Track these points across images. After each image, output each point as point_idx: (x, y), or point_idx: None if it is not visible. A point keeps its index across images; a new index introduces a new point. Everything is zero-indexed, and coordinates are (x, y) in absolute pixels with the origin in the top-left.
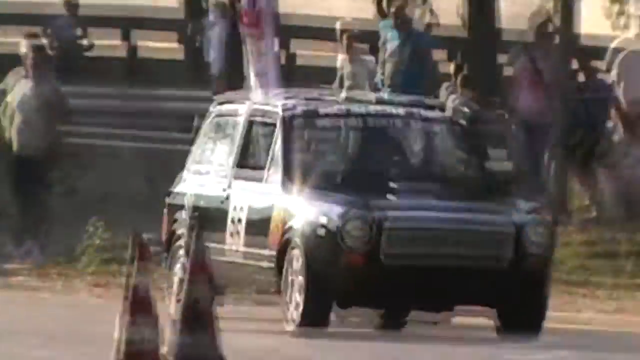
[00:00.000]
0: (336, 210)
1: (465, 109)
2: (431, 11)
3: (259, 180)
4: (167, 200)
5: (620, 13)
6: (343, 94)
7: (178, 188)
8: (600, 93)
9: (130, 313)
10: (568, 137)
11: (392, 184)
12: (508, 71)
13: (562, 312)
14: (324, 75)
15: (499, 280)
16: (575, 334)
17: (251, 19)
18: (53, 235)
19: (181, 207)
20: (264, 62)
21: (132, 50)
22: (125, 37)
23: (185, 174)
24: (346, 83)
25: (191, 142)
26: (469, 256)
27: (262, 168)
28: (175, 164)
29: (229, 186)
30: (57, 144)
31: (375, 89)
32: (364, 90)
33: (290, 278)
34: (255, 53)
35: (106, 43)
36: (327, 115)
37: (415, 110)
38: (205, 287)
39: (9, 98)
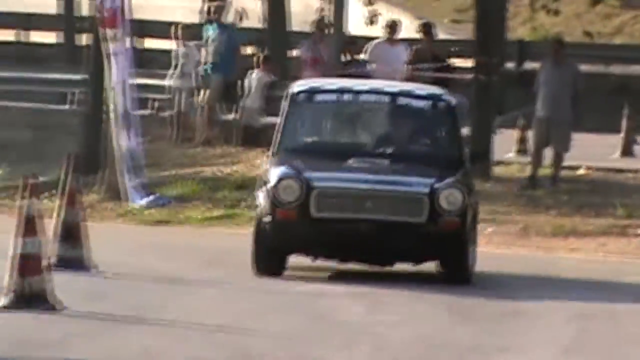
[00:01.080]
0: (275, 174)
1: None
2: (241, 13)
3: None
4: None
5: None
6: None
7: None
8: (359, 70)
9: (22, 233)
10: None
11: (349, 157)
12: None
13: None
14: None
15: (414, 238)
16: None
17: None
18: None
19: None
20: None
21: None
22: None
23: None
24: (181, 61)
25: None
26: (384, 216)
27: None
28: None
29: None
30: None
31: (200, 70)
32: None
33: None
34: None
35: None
36: (325, 95)
37: (400, 98)
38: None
39: None
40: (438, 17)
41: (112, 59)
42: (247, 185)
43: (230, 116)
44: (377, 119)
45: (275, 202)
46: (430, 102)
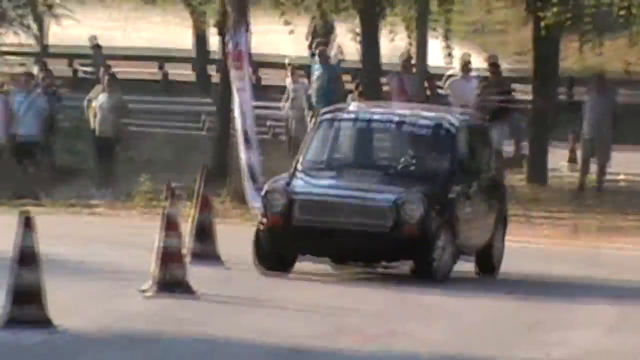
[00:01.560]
0: (271, 184)
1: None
2: (340, 51)
3: None
4: None
5: (448, 54)
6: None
7: None
8: (440, 102)
9: (165, 229)
10: None
11: (341, 171)
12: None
13: None
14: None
15: (380, 242)
16: None
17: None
18: (118, 185)
19: None
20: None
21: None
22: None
23: None
24: (291, 95)
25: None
26: (354, 223)
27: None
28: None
29: None
30: (122, 130)
31: (309, 101)
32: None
33: None
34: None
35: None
36: (344, 121)
37: (405, 125)
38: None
39: (93, 103)
40: (503, 52)
41: (236, 91)
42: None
43: None
44: (382, 140)
45: (266, 210)
46: (431, 127)
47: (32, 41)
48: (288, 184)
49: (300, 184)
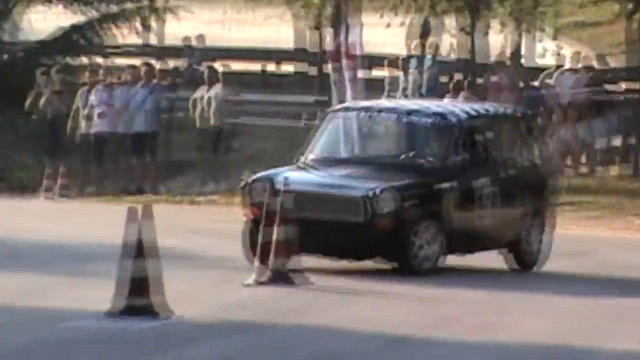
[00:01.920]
0: (254, 176)
1: None
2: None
3: None
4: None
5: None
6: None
7: None
8: (533, 94)
9: (279, 224)
10: None
11: (337, 164)
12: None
13: None
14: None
15: (356, 234)
16: None
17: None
18: (227, 177)
19: None
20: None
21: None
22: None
23: None
24: (387, 88)
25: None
26: (331, 215)
27: None
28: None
29: None
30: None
31: (420, 91)
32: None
33: None
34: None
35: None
36: (349, 112)
37: (409, 116)
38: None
39: (198, 99)
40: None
41: (341, 85)
42: None
43: None
44: (383, 133)
45: (249, 199)
46: (434, 119)
47: (150, 39)
48: (273, 176)
49: (292, 177)
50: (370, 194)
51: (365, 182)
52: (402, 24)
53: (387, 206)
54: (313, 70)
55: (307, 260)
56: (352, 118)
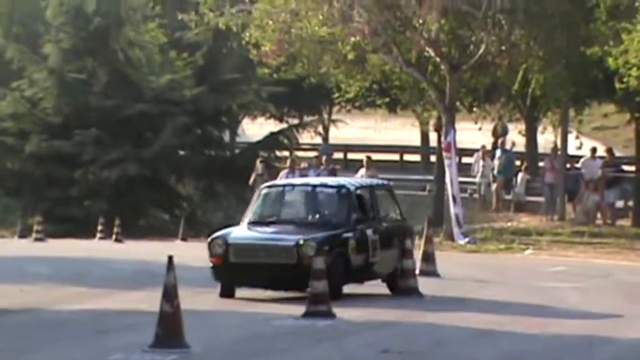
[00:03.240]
0: (215, 235)
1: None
2: (513, 143)
3: None
4: None
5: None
6: None
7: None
8: (574, 172)
9: (405, 256)
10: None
11: (269, 224)
12: None
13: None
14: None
15: (289, 273)
16: None
17: (446, 147)
18: None
19: None
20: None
21: None
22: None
23: None
24: (481, 169)
25: None
26: (270, 259)
27: None
28: None
29: None
30: None
31: (493, 174)
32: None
33: None
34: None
35: None
36: (275, 188)
37: (318, 187)
38: (431, 245)
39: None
40: (615, 143)
41: (447, 168)
42: (517, 232)
43: (508, 196)
44: (300, 200)
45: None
46: (335, 190)
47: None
48: (226, 235)
49: (236, 234)
50: (300, 243)
51: (294, 235)
52: (480, 129)
53: (310, 251)
54: (433, 158)
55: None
56: (278, 190)
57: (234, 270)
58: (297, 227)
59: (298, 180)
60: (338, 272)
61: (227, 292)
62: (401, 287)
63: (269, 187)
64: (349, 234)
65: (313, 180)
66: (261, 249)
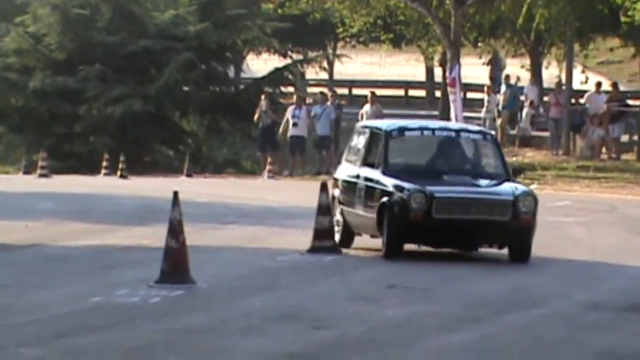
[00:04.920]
0: (399, 188)
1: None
2: (517, 78)
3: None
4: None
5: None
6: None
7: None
8: (579, 108)
9: None
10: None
11: (437, 176)
12: None
13: None
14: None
15: (503, 230)
16: None
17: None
18: None
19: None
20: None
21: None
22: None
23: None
24: (486, 104)
25: None
26: (484, 215)
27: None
28: None
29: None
30: None
31: (498, 108)
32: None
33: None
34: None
35: None
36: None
37: (462, 133)
38: None
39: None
40: (620, 77)
41: (452, 103)
42: (523, 165)
43: (514, 131)
44: (447, 148)
45: (407, 207)
46: (481, 136)
47: (325, 74)
48: (422, 186)
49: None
50: (518, 197)
51: (500, 188)
52: (484, 63)
53: (528, 207)
54: (438, 94)
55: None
56: (414, 136)
57: (437, 228)
58: (472, 178)
59: (434, 124)
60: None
61: (397, 250)
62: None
63: (399, 130)
64: (526, 187)
65: (452, 125)
66: (473, 204)
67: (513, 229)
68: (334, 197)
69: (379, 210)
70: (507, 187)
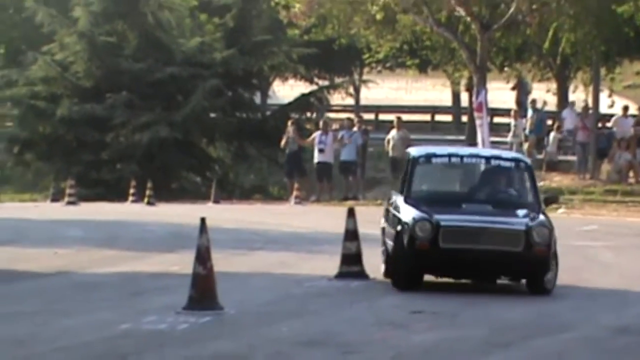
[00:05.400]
0: (409, 216)
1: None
2: (544, 102)
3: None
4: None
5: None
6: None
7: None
8: (606, 131)
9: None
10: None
11: (457, 204)
12: None
13: None
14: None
15: (515, 261)
16: None
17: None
18: None
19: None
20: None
21: None
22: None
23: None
24: (512, 128)
25: None
26: (496, 246)
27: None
28: None
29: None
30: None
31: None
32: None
33: None
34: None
35: None
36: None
37: (492, 160)
38: None
39: (389, 137)
40: None
41: (478, 128)
42: (549, 191)
43: (540, 155)
44: (475, 175)
45: (413, 236)
46: (513, 163)
47: (351, 100)
48: (429, 215)
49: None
50: (532, 228)
51: (519, 217)
52: (513, 88)
53: (542, 238)
54: (464, 119)
55: None
56: (441, 163)
57: (444, 258)
58: (494, 207)
59: (464, 150)
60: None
61: (417, 281)
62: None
63: (426, 156)
64: (544, 217)
65: (483, 151)
66: (482, 234)
67: (526, 261)
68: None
69: (394, 239)
70: (522, 217)
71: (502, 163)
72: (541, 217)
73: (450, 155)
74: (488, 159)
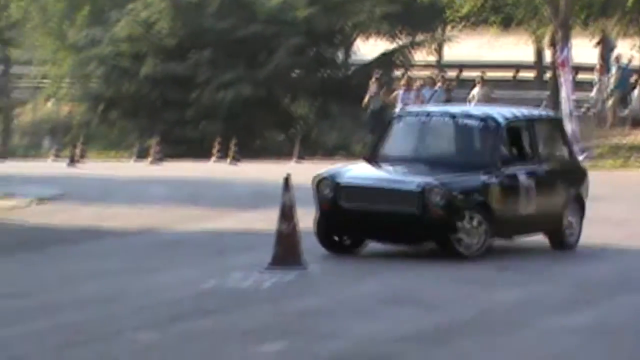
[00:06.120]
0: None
1: None
2: (629, 58)
3: None
4: None
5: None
6: None
7: None
8: None
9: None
10: None
11: (395, 164)
12: None
13: None
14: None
15: (412, 223)
16: None
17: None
18: None
19: None
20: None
21: None
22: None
23: None
24: (596, 85)
25: None
26: (388, 207)
27: None
28: None
29: None
30: None
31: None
32: None
33: None
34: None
35: None
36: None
37: (461, 118)
38: None
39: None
40: None
41: (562, 85)
42: (634, 148)
43: (625, 112)
44: (437, 133)
45: (319, 196)
46: (481, 122)
47: (433, 57)
48: (335, 175)
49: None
50: (426, 188)
51: (420, 177)
52: (598, 43)
53: (437, 199)
54: (547, 75)
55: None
56: (410, 121)
57: (344, 218)
58: (429, 166)
59: (436, 108)
60: (481, 226)
61: (331, 240)
62: (568, 242)
63: (400, 115)
64: (493, 179)
65: (454, 108)
66: (377, 194)
67: (423, 223)
68: None
69: None
70: (424, 176)
71: (469, 121)
72: (482, 177)
73: (419, 114)
74: (455, 116)
